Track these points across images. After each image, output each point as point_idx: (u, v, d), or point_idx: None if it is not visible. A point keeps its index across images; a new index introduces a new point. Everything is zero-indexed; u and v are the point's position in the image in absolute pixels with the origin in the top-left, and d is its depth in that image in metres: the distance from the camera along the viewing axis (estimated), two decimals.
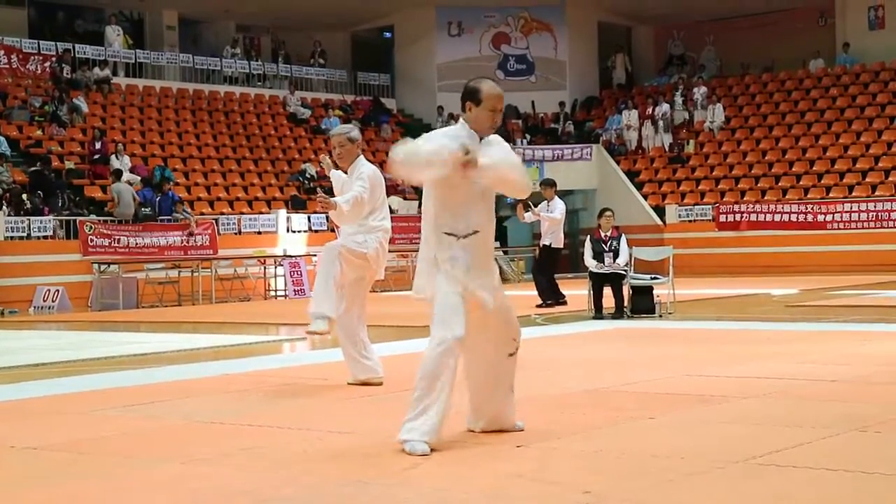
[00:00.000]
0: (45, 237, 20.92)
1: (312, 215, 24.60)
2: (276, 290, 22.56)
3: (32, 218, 20.82)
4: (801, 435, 5.49)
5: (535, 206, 16.31)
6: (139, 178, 23.78)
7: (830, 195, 26.51)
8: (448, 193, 5.45)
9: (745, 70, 32.13)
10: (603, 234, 14.01)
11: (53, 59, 26.78)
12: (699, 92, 30.73)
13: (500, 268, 26.56)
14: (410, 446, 5.20)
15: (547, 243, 16.24)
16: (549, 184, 16.62)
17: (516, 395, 5.74)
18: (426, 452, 5.17)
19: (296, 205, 25.49)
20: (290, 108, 30.18)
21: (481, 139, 5.51)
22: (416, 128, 32.02)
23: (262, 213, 24.86)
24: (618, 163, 29.82)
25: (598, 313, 13.82)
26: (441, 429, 5.29)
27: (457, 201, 5.44)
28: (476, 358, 5.60)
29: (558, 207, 16.13)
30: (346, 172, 8.00)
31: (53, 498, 4.69)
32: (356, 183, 7.75)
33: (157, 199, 22.90)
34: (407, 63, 33.25)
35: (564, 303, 15.96)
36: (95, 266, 20.37)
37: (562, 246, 16.47)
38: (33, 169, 22.47)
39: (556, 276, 16.49)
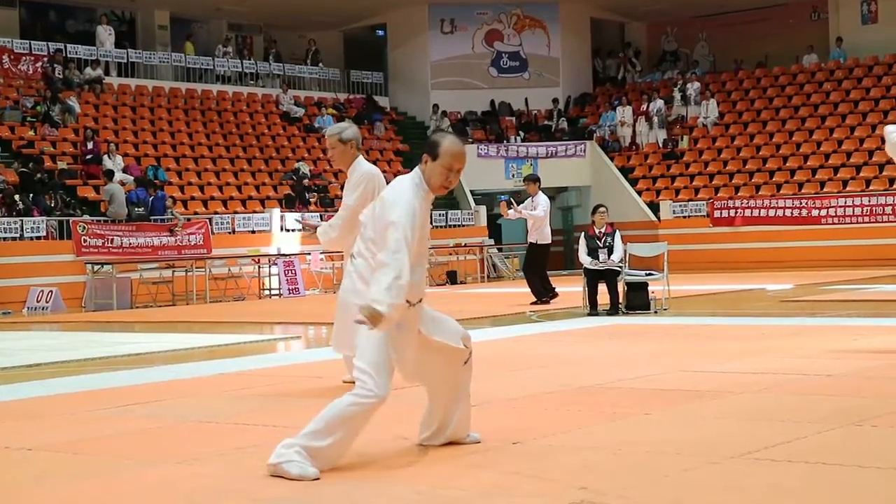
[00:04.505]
0: (38, 238, 20.86)
1: (306, 214, 24.56)
2: (270, 289, 22.54)
3: (25, 218, 20.76)
4: (796, 430, 5.49)
5: (520, 203, 16.28)
6: (132, 177, 23.75)
7: (825, 190, 26.52)
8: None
9: (738, 65, 32.14)
10: (597, 231, 14.00)
11: (45, 59, 26.72)
12: (692, 88, 30.74)
13: (495, 265, 26.71)
14: (301, 469, 4.75)
15: (533, 241, 16.18)
16: (532, 179, 16.57)
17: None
18: (317, 476, 4.77)
19: (289, 203, 25.46)
20: (283, 106, 30.14)
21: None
22: (409, 125, 32.06)
23: (255, 212, 24.84)
24: (612, 159, 29.83)
25: (593, 310, 13.81)
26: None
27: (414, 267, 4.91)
28: (435, 380, 5.28)
29: (541, 204, 16.03)
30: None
31: (48, 499, 4.68)
32: (346, 196, 7.42)
33: (150, 199, 22.87)
34: (400, 61, 33.20)
35: (556, 295, 15.91)
36: (89, 266, 20.35)
37: (549, 242, 16.27)
38: (22, 170, 22.41)
39: (548, 272, 16.41)
